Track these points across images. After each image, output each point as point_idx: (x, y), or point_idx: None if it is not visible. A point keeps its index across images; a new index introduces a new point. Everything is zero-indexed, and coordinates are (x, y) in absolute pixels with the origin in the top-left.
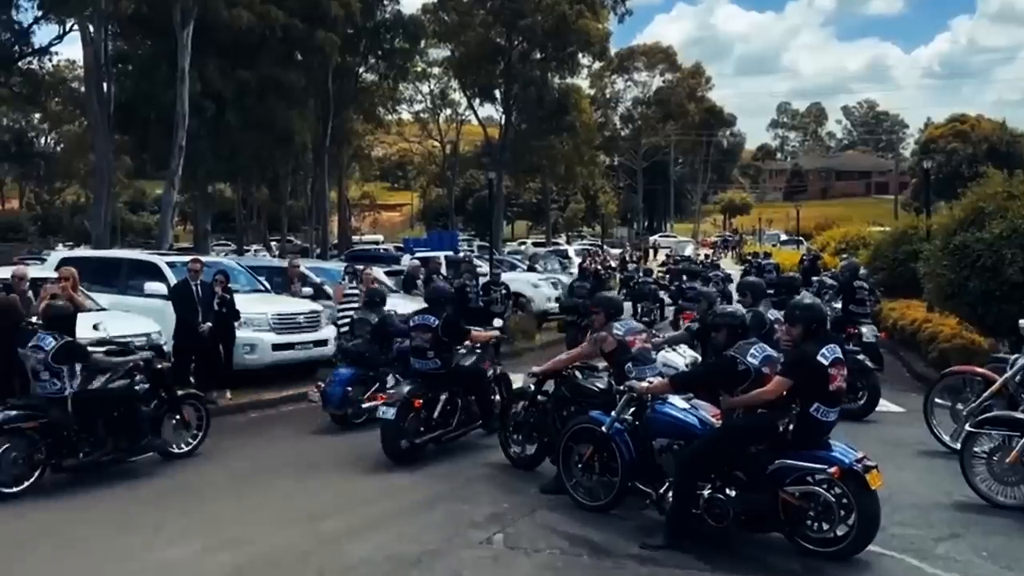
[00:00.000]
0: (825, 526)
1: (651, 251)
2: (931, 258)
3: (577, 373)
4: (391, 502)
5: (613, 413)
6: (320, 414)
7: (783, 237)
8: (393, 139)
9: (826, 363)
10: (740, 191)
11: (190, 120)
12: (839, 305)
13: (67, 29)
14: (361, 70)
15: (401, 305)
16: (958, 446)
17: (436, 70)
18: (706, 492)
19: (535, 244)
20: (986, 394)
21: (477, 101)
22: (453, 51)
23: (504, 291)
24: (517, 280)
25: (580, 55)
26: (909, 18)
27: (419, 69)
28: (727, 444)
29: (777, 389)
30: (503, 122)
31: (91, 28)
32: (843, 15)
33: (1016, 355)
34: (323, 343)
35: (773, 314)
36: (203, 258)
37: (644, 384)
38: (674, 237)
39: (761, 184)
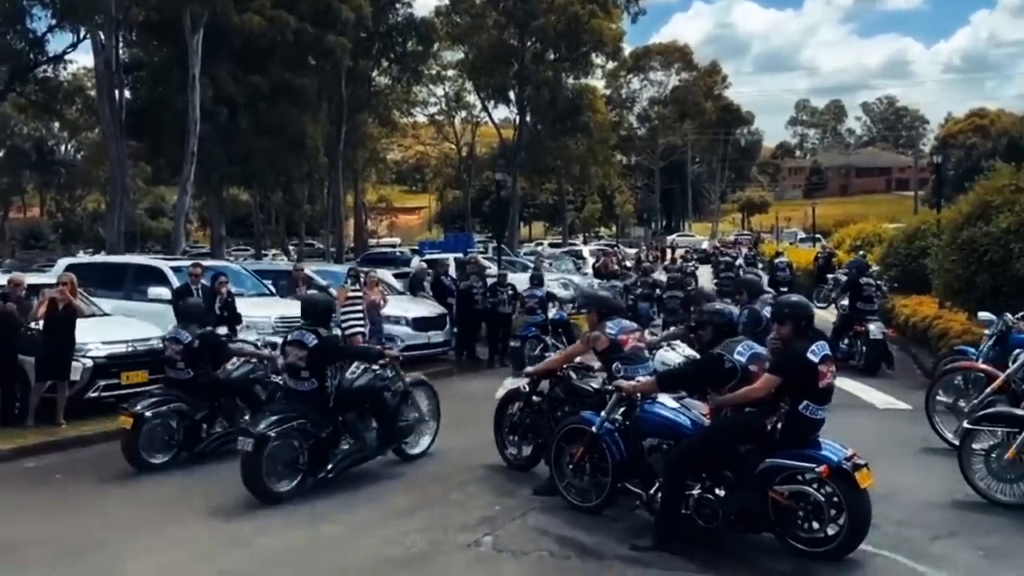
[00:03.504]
0: (815, 526)
1: (668, 251)
2: (939, 253)
3: (572, 373)
4: (381, 505)
5: (603, 413)
6: None
7: (800, 235)
8: (409, 142)
9: (816, 360)
10: (759, 189)
11: (202, 125)
12: (847, 302)
13: (81, 37)
14: (374, 73)
15: (406, 307)
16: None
17: (450, 72)
18: (695, 492)
19: (552, 245)
20: (988, 390)
21: (491, 103)
22: (466, 53)
23: (511, 292)
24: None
25: (594, 55)
26: (929, 13)
27: (433, 72)
28: (716, 443)
29: (766, 387)
30: (517, 123)
31: (102, 35)
32: (862, 11)
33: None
34: None
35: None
36: (206, 262)
37: (632, 383)
38: (692, 236)
39: (780, 182)
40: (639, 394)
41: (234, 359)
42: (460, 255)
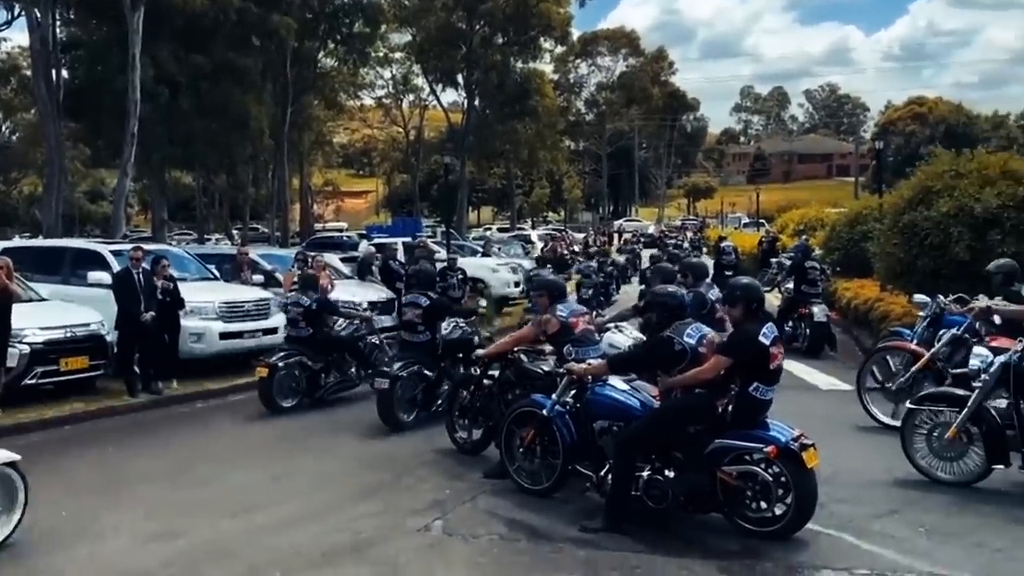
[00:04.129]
0: (763, 505)
1: (616, 235)
2: (881, 237)
3: (523, 356)
4: (330, 491)
5: (554, 396)
6: None
7: (745, 220)
8: (356, 125)
9: (767, 343)
10: (704, 175)
11: (143, 106)
12: (791, 285)
13: (15, 14)
14: (320, 55)
15: (355, 291)
16: (889, 422)
17: (398, 55)
18: (645, 474)
19: (500, 230)
20: (913, 369)
21: (439, 86)
22: (414, 36)
23: (461, 276)
24: (477, 265)
25: (542, 39)
26: (870, 1)
27: (380, 54)
28: (665, 425)
29: (716, 368)
30: (466, 107)
31: (37, 12)
32: None
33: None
34: (273, 331)
35: (715, 294)
36: (147, 246)
37: (582, 366)
38: (639, 221)
39: (725, 168)
40: (590, 377)
41: (341, 321)
42: (408, 239)
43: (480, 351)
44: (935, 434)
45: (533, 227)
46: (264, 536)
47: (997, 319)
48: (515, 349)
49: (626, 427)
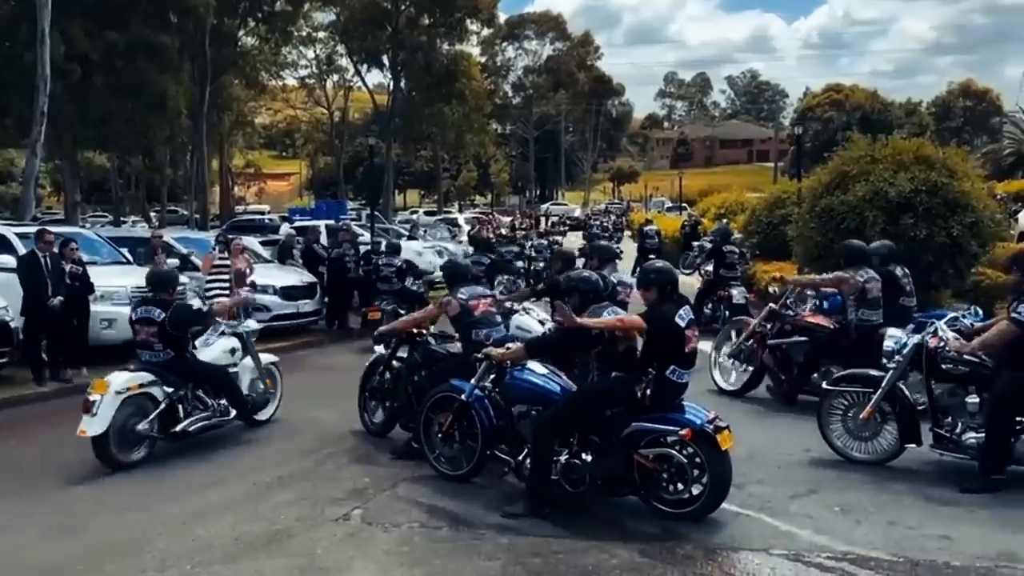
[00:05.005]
0: (679, 487)
1: (542, 219)
2: (799, 221)
3: (431, 339)
4: (246, 481)
5: (473, 380)
6: None
7: (668, 204)
8: (279, 105)
9: (683, 324)
10: (629, 159)
11: (54, 84)
12: (711, 268)
13: None
14: (241, 33)
15: (274, 275)
16: (725, 387)
17: (321, 34)
18: (563, 457)
19: (427, 213)
20: (742, 337)
21: (364, 67)
22: (338, 15)
23: (404, 264)
24: (403, 248)
25: (468, 21)
26: None
27: (303, 33)
28: (583, 408)
29: (633, 323)
30: (391, 88)
31: None
32: None
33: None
34: None
35: (616, 277)
36: (56, 228)
37: (500, 351)
38: (565, 205)
39: (649, 152)
40: (509, 361)
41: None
42: (332, 222)
43: (381, 328)
44: (850, 414)
45: (460, 210)
46: (176, 528)
47: (798, 289)
48: (424, 331)
49: (545, 411)
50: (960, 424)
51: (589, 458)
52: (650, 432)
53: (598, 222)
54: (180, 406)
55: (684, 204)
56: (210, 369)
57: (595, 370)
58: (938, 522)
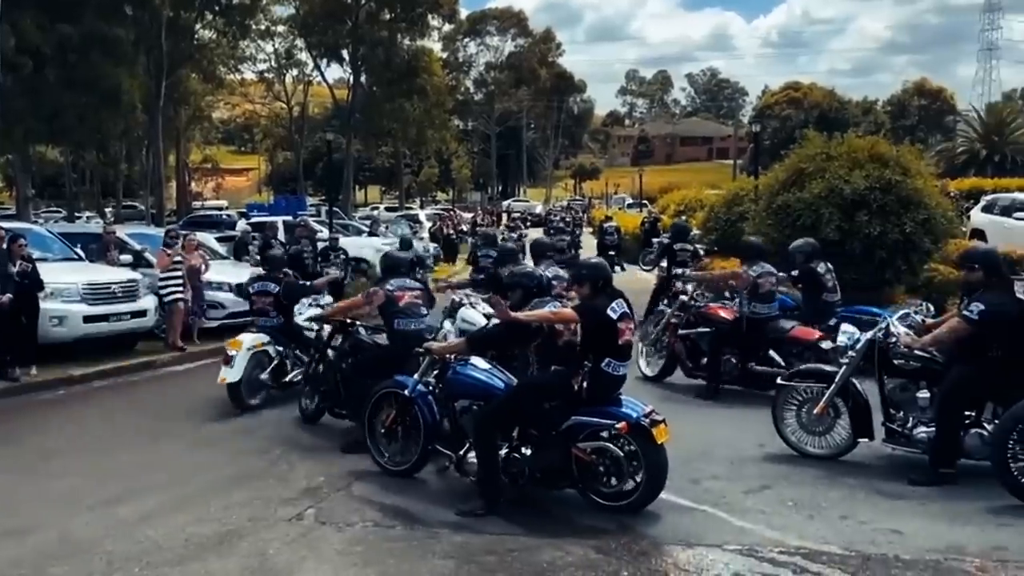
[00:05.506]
0: (615, 480)
1: (504, 215)
2: (756, 218)
3: (361, 329)
4: (198, 481)
5: (416, 376)
6: (135, 389)
7: (628, 201)
8: (237, 100)
9: (615, 317)
10: (590, 156)
11: (4, 77)
12: (665, 265)
13: None
14: (198, 26)
15: (231, 272)
16: (649, 373)
17: (280, 28)
18: (503, 451)
19: (388, 209)
20: (657, 328)
21: (324, 62)
22: (297, 9)
23: (343, 256)
24: (360, 245)
25: (429, 17)
26: None
27: (262, 27)
28: (522, 402)
29: (565, 316)
30: (351, 83)
31: None
32: None
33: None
34: (142, 314)
35: (553, 271)
36: (5, 224)
37: (440, 345)
38: (527, 201)
39: (610, 150)
40: (451, 356)
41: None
42: (289, 218)
43: (316, 314)
44: (804, 410)
45: (422, 206)
46: (125, 529)
47: (690, 286)
48: (355, 321)
49: (486, 405)
50: (911, 419)
51: (528, 452)
52: (588, 426)
53: (558, 218)
54: (287, 362)
55: (645, 201)
56: (305, 334)
57: (535, 364)
58: (889, 516)
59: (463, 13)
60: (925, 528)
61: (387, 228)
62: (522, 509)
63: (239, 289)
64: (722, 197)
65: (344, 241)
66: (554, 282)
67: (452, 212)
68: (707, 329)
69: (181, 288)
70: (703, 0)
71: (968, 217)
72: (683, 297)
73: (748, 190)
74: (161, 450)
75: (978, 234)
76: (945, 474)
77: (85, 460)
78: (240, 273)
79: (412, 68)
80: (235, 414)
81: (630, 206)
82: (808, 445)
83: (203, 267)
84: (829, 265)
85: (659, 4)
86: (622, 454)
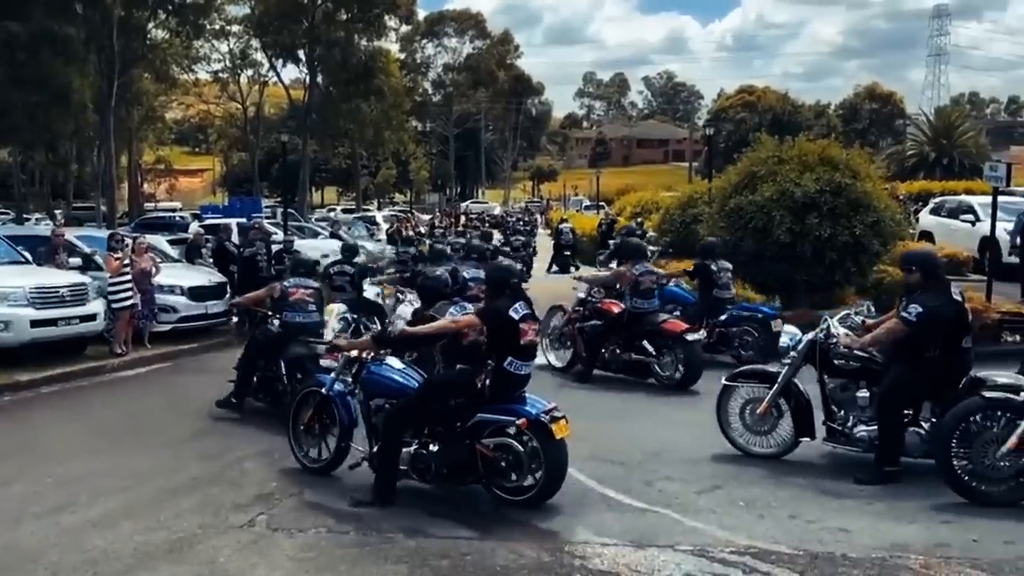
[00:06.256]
0: (516, 476)
1: (462, 216)
2: (710, 220)
3: (274, 320)
4: (148, 488)
5: (332, 374)
6: (83, 394)
7: (586, 203)
8: (191, 100)
9: (516, 317)
10: (548, 158)
11: None
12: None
13: None
14: (150, 25)
15: (183, 275)
16: (557, 364)
17: (235, 28)
18: (412, 448)
19: (345, 211)
20: (559, 324)
21: (280, 62)
22: (252, 8)
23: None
24: (317, 248)
25: (387, 17)
26: None
27: (216, 27)
28: (429, 399)
29: (467, 323)
30: (307, 84)
31: None
32: None
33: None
34: (91, 318)
35: (472, 272)
36: None
37: (345, 341)
38: (485, 203)
39: (568, 152)
40: (368, 355)
41: None
42: (244, 220)
43: (237, 298)
44: (747, 410)
45: (379, 208)
46: (72, 538)
47: (584, 286)
48: (267, 313)
49: (396, 403)
50: (851, 418)
51: (435, 448)
52: (492, 423)
53: (515, 219)
54: (361, 327)
55: (602, 203)
56: (373, 305)
57: (440, 363)
58: (836, 515)
59: (421, 14)
60: (871, 526)
61: (349, 230)
62: (476, 512)
63: (323, 271)
64: (677, 199)
65: (300, 244)
66: (471, 283)
67: (410, 214)
68: (599, 322)
69: (129, 293)
70: (659, 4)
71: (917, 219)
72: (580, 294)
73: (702, 193)
74: (110, 456)
75: (926, 236)
76: (890, 472)
77: (31, 467)
78: (193, 276)
79: (369, 69)
80: (187, 418)
81: (588, 208)
82: (753, 445)
83: (153, 270)
84: (726, 264)
85: (616, 7)
86: (523, 450)
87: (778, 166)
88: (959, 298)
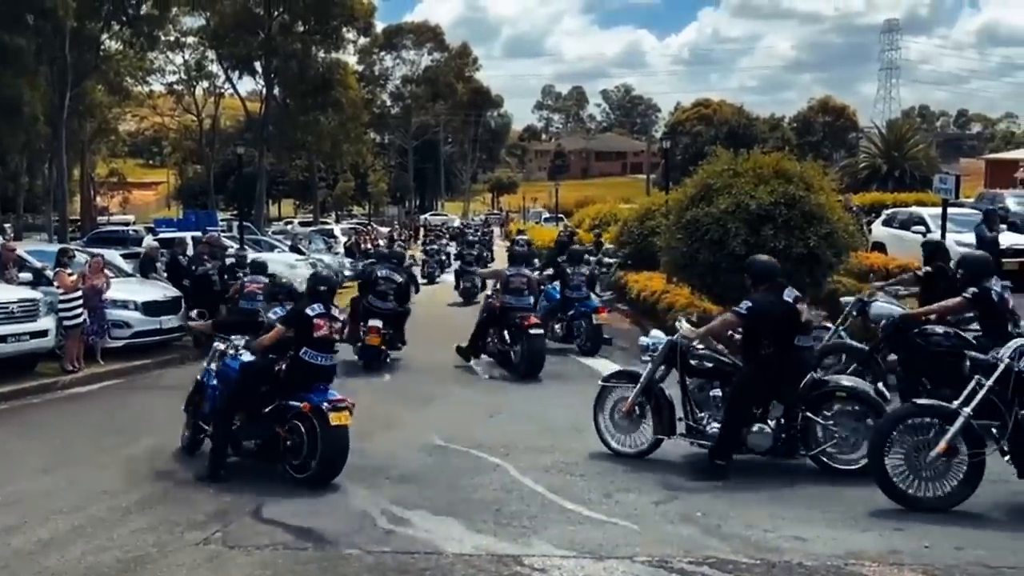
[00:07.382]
0: (300, 455)
1: (421, 229)
2: (667, 232)
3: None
4: (100, 506)
5: (204, 361)
6: (34, 411)
7: (545, 215)
8: (145, 112)
9: (312, 315)
10: (508, 170)
11: None
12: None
13: None
14: (104, 36)
15: (137, 290)
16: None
17: (190, 39)
18: (234, 427)
19: (302, 223)
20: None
21: (236, 74)
22: (208, 20)
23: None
24: (273, 261)
25: (344, 29)
26: (661, 7)
27: (171, 38)
28: (243, 385)
29: (276, 335)
30: (264, 96)
31: None
32: (602, 2)
33: None
34: (42, 334)
35: (385, 272)
36: None
37: (199, 323)
38: (445, 216)
39: (527, 164)
40: (228, 348)
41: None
42: (198, 234)
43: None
44: (615, 409)
45: (338, 221)
46: (22, 560)
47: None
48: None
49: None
50: (707, 415)
51: (249, 428)
52: (288, 408)
53: (471, 230)
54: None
55: (561, 215)
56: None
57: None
58: (793, 524)
59: (379, 26)
60: (826, 534)
61: (309, 243)
62: (435, 526)
63: (361, 275)
64: (635, 212)
65: (265, 257)
66: (381, 282)
67: (369, 227)
68: (486, 314)
69: (79, 310)
70: (616, 18)
71: (870, 231)
72: (486, 292)
73: (659, 205)
74: (62, 475)
75: (879, 247)
76: (720, 467)
77: None
78: (148, 291)
79: (327, 81)
80: (140, 434)
81: (547, 220)
82: (621, 444)
83: (104, 286)
84: (581, 268)
85: (574, 21)
86: (305, 432)
87: (733, 179)
88: (790, 300)
